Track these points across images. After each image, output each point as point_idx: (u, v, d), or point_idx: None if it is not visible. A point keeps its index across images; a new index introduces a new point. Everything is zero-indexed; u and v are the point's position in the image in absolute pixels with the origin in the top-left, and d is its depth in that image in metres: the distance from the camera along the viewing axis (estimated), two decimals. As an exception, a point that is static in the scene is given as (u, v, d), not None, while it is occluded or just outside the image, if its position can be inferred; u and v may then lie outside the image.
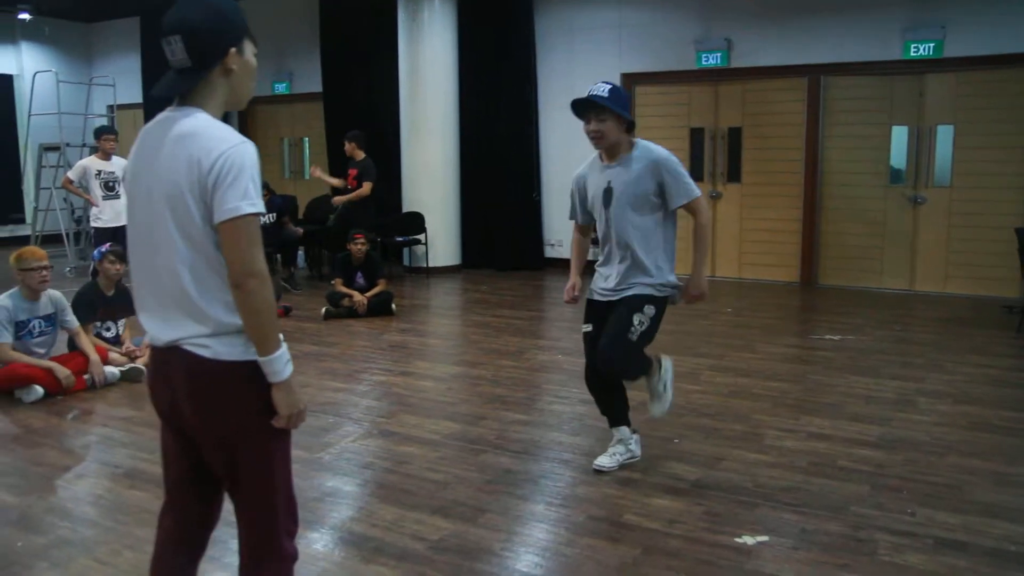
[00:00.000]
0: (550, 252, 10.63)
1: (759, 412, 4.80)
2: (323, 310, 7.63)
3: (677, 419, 4.64)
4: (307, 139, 12.89)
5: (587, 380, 3.99)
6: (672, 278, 3.78)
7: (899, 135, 8.91)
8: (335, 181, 9.66)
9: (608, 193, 3.71)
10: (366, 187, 9.11)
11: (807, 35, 8.96)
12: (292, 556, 2.11)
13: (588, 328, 3.90)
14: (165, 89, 1.98)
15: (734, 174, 9.67)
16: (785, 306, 8.40)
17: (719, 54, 9.37)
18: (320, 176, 9.66)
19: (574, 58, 10.22)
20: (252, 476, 2.02)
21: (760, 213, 9.56)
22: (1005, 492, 3.64)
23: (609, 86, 3.60)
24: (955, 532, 3.25)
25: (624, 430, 3.97)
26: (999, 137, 8.42)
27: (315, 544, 3.21)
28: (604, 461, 3.91)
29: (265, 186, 9.39)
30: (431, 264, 10.28)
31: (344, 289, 7.71)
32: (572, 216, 4.05)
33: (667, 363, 3.95)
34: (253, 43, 2.08)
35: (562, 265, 10.34)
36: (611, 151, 3.69)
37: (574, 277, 4.06)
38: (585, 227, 4.06)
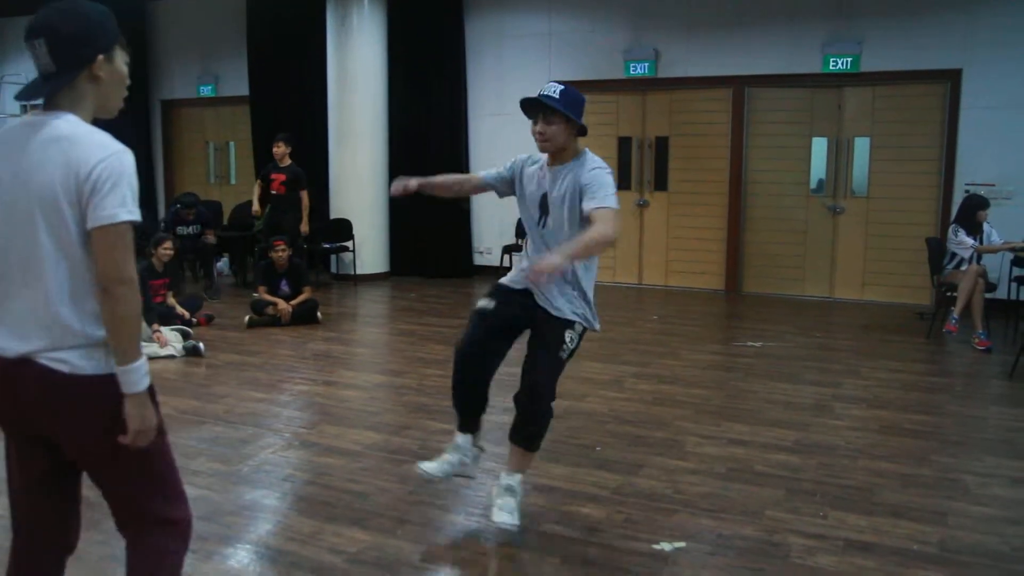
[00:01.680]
0: (479, 259, 10.62)
1: (681, 419, 4.86)
2: (246, 318, 7.47)
3: (600, 426, 4.67)
4: (233, 143, 12.63)
5: (461, 364, 3.51)
6: (587, 304, 3.40)
7: (819, 146, 9.17)
8: (256, 209, 9.33)
9: (544, 199, 3.35)
10: (305, 197, 8.98)
11: (732, 47, 9.16)
12: (183, 519, 2.10)
13: (489, 305, 3.44)
14: (28, 93, 1.94)
15: (661, 182, 9.81)
16: (710, 313, 8.54)
17: (647, 64, 9.51)
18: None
19: (504, 65, 10.25)
20: (127, 475, 2.00)
21: (687, 221, 9.72)
22: (910, 493, 3.76)
23: (561, 87, 3.28)
24: (864, 533, 3.34)
25: (462, 438, 3.58)
26: (913, 150, 8.73)
27: (229, 560, 3.13)
28: (431, 468, 3.51)
29: (193, 204, 9.17)
30: (359, 271, 10.17)
31: (268, 297, 7.57)
32: (485, 174, 3.60)
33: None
34: (125, 52, 2.01)
35: (491, 273, 10.34)
36: (556, 156, 3.33)
37: (418, 180, 3.63)
38: (481, 186, 3.64)
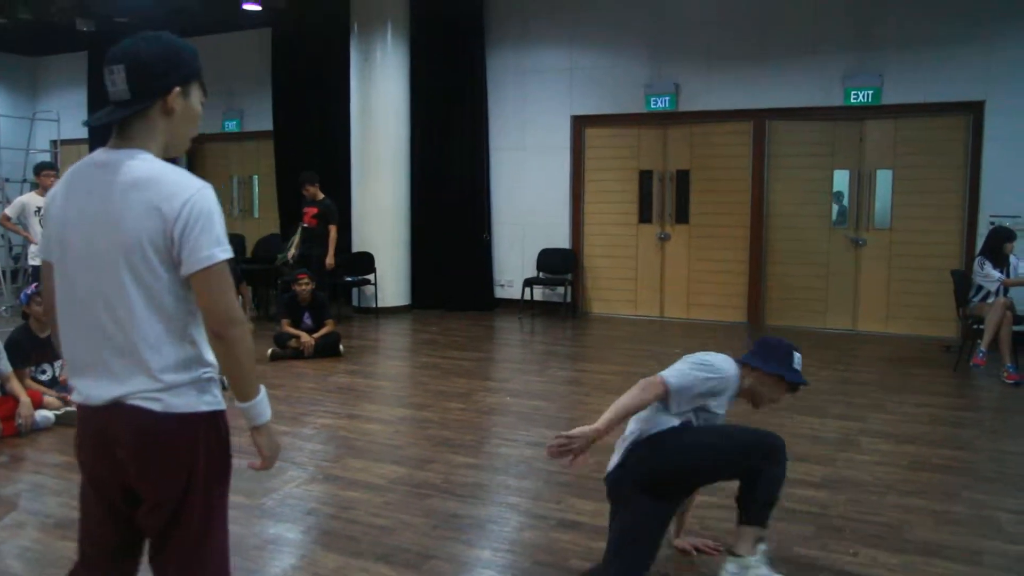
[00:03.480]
0: (500, 292, 10.63)
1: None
2: (269, 351, 7.51)
3: (625, 461, 4.63)
4: (256, 177, 12.80)
5: None
6: None
7: (841, 178, 9.15)
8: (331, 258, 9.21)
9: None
10: (333, 231, 9.05)
11: (752, 80, 9.19)
12: None
13: None
14: (100, 119, 1.90)
15: (682, 215, 9.81)
16: (732, 346, 8.46)
17: (667, 97, 9.56)
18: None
19: (526, 100, 10.34)
20: (192, 533, 1.94)
21: (708, 254, 9.70)
22: (943, 531, 3.70)
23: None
24: (895, 572, 3.28)
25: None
26: (935, 181, 8.70)
27: (254, 595, 3.12)
28: None
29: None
30: (380, 304, 10.21)
31: (291, 330, 7.61)
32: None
33: None
34: (202, 90, 2.01)
35: (512, 305, 10.36)
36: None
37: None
38: None
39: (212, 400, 1.92)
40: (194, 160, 13.14)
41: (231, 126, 12.55)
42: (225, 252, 1.83)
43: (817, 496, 4.12)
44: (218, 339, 1.83)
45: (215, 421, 1.93)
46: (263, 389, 1.93)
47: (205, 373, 1.90)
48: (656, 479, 2.99)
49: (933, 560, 3.39)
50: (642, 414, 3.09)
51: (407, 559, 3.40)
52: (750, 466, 2.98)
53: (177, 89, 1.91)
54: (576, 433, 2.93)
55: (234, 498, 3.99)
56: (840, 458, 4.74)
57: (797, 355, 3.20)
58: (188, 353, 1.87)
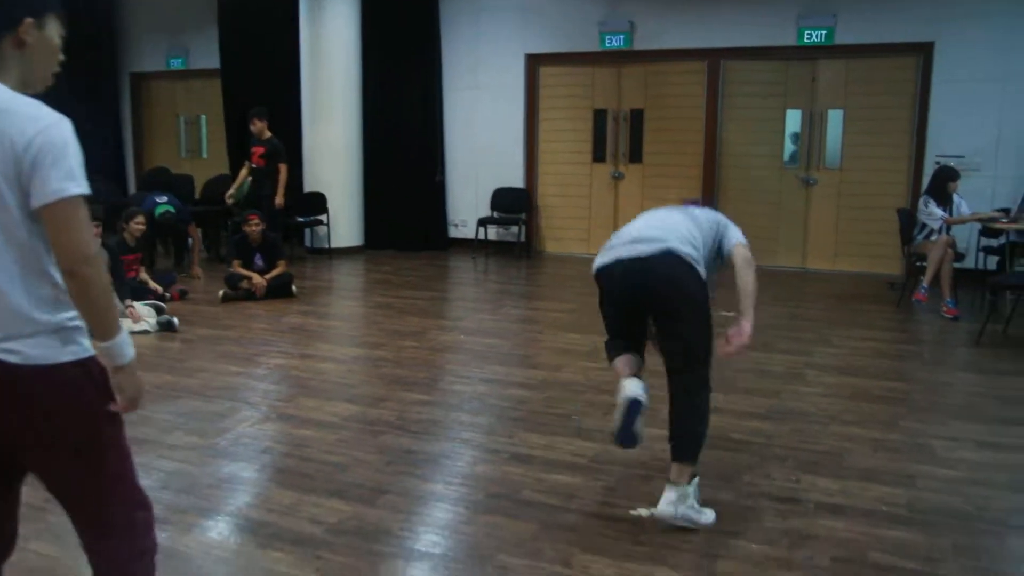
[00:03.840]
0: (454, 232, 10.61)
1: (656, 388, 4.86)
2: (220, 293, 7.42)
3: (577, 396, 4.72)
4: (204, 117, 12.47)
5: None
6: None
7: (793, 118, 9.22)
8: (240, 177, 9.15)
9: None
10: (283, 170, 8.84)
11: (707, 19, 9.15)
12: (146, 519, 2.07)
13: None
14: None
15: (636, 155, 9.83)
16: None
17: (622, 36, 9.48)
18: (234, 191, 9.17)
19: (479, 39, 10.18)
20: (88, 472, 1.92)
21: (661, 193, 9.73)
22: (880, 457, 3.85)
23: None
24: (834, 496, 3.41)
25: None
26: (885, 122, 8.81)
27: (209, 532, 3.14)
28: None
29: (174, 219, 8.59)
30: (333, 245, 10.12)
31: (242, 271, 7.52)
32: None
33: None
34: (61, 24, 1.90)
35: (465, 245, 10.35)
36: None
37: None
38: None
39: (78, 349, 1.85)
40: (139, 99, 12.77)
41: (176, 64, 12.18)
42: (79, 187, 1.75)
43: (762, 427, 4.25)
44: (71, 277, 1.76)
45: (85, 368, 1.86)
46: (125, 331, 1.87)
47: (70, 320, 1.83)
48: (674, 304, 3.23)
49: (870, 485, 3.53)
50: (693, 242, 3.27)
51: (361, 494, 3.44)
52: (705, 371, 3.30)
53: (30, 20, 1.81)
54: (746, 339, 3.27)
55: (187, 438, 4.03)
56: (786, 391, 4.88)
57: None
58: (47, 293, 1.80)
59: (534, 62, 9.97)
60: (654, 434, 4.11)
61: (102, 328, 1.82)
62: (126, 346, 1.87)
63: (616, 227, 9.79)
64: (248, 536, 3.10)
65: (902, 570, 2.84)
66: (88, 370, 1.87)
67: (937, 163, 8.09)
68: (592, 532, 3.10)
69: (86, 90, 12.06)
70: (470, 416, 4.45)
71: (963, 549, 2.99)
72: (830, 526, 3.15)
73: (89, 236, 1.77)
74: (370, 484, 3.55)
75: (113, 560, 2.03)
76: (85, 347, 1.88)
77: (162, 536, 3.06)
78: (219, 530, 3.16)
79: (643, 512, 3.25)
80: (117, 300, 6.38)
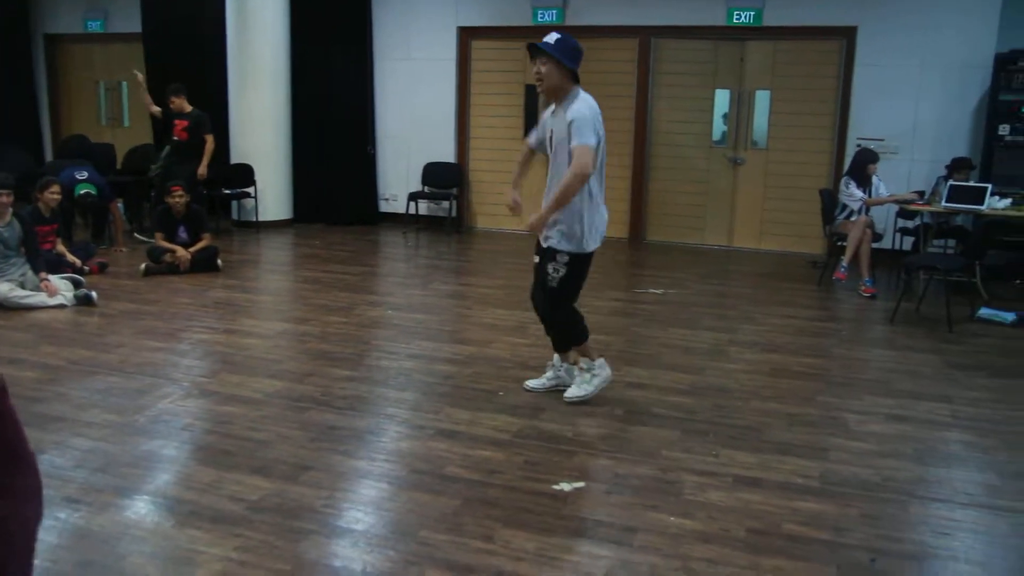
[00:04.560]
0: (384, 207, 10.50)
1: (583, 364, 4.95)
2: (143, 266, 7.21)
3: (503, 372, 4.74)
4: (125, 84, 12.03)
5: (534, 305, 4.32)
6: (577, 228, 3.95)
7: (722, 98, 9.35)
8: (154, 109, 8.92)
9: (549, 138, 4.03)
10: (210, 141, 8.58)
11: (639, -3, 9.20)
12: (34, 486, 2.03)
13: (535, 259, 4.22)
14: None
15: (568, 132, 9.83)
16: (613, 261, 8.68)
17: (555, 11, 9.47)
18: (139, 83, 8.94)
19: (411, 10, 10.02)
20: None
21: (592, 171, 9.79)
22: (796, 431, 3.97)
23: (559, 35, 3.91)
24: (752, 470, 3.51)
25: (556, 357, 4.39)
26: (810, 104, 9.00)
27: (126, 511, 3.07)
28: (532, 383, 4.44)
29: (95, 199, 8.19)
30: (261, 218, 9.91)
31: (165, 244, 7.32)
32: (530, 138, 4.27)
33: (604, 371, 4.29)
34: None
35: (396, 220, 10.26)
36: (553, 96, 3.96)
37: (512, 192, 4.24)
38: (531, 151, 4.29)
39: None
40: (54, 63, 12.25)
41: (94, 26, 11.70)
42: None
43: (684, 402, 4.33)
44: None
45: None
46: None
47: None
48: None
49: (785, 458, 3.64)
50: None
51: (283, 471, 3.40)
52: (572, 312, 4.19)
53: None
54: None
55: (105, 416, 3.94)
56: (709, 367, 4.98)
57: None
58: None
59: (467, 35, 9.88)
60: (576, 410, 4.17)
61: None
62: None
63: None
64: (166, 514, 3.05)
65: (813, 540, 2.95)
66: None
67: (858, 146, 8.31)
68: (514, 507, 3.13)
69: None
70: (396, 392, 4.44)
71: (870, 518, 3.11)
72: (747, 499, 3.24)
73: None
74: (293, 460, 3.51)
75: None
76: None
77: (76, 516, 3.01)
78: (136, 509, 3.10)
79: (565, 487, 3.29)
80: (31, 273, 6.17)
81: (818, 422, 4.11)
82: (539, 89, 3.96)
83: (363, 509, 3.13)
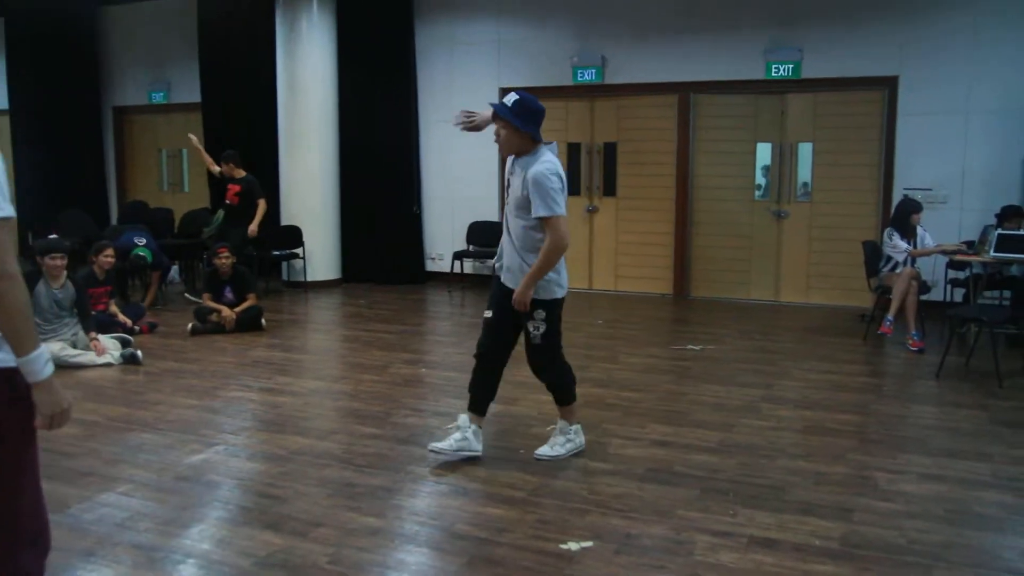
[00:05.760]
0: (431, 266, 10.63)
1: (608, 421, 4.91)
2: (189, 326, 7.43)
3: (526, 429, 4.72)
4: (185, 151, 12.54)
5: (476, 360, 4.22)
6: (552, 275, 3.97)
7: (763, 151, 9.30)
8: (214, 168, 9.29)
9: (507, 191, 4.06)
10: (262, 204, 8.91)
11: (677, 54, 9.26)
12: (45, 540, 2.07)
13: (488, 314, 4.15)
14: None
15: (610, 188, 9.89)
16: (655, 318, 8.63)
17: (594, 70, 9.60)
18: (196, 147, 9.38)
19: (454, 71, 10.29)
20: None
21: (634, 227, 9.81)
22: (821, 490, 3.84)
23: (517, 97, 3.86)
24: (769, 530, 3.40)
25: (463, 418, 4.23)
26: (853, 155, 8.89)
27: (136, 567, 3.12)
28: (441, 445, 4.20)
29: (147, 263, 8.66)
30: (310, 278, 10.14)
31: (212, 304, 7.53)
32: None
33: (578, 438, 4.33)
34: None
35: (443, 279, 10.38)
36: (515, 154, 3.98)
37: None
38: None
39: (3, 356, 1.92)
40: (121, 133, 12.85)
41: (158, 98, 12.28)
42: (1, 210, 1.87)
43: (708, 461, 4.24)
44: None
45: (4, 376, 1.92)
46: (43, 347, 1.93)
47: None
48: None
49: (806, 518, 3.53)
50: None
51: (295, 527, 3.43)
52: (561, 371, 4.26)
53: None
54: (480, 116, 4.08)
55: (131, 471, 4.04)
56: (738, 424, 4.88)
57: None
58: None
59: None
60: (596, 468, 4.12)
61: (19, 342, 1.89)
62: (42, 363, 1.93)
63: (591, 260, 9.94)
64: (174, 570, 3.09)
65: (824, 604, 2.84)
66: (7, 378, 1.92)
67: (904, 195, 8.15)
68: (518, 566, 3.09)
69: (70, 125, 12.20)
70: (418, 449, 4.44)
71: (888, 583, 2.99)
72: (759, 560, 3.14)
73: (11, 255, 1.87)
74: (305, 517, 3.54)
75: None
76: (3, 358, 1.93)
77: (86, 569, 3.07)
78: (146, 563, 3.15)
79: (573, 546, 3.24)
80: (82, 332, 6.41)
81: (846, 481, 3.98)
82: (500, 150, 3.99)
83: (364, 566, 3.13)
